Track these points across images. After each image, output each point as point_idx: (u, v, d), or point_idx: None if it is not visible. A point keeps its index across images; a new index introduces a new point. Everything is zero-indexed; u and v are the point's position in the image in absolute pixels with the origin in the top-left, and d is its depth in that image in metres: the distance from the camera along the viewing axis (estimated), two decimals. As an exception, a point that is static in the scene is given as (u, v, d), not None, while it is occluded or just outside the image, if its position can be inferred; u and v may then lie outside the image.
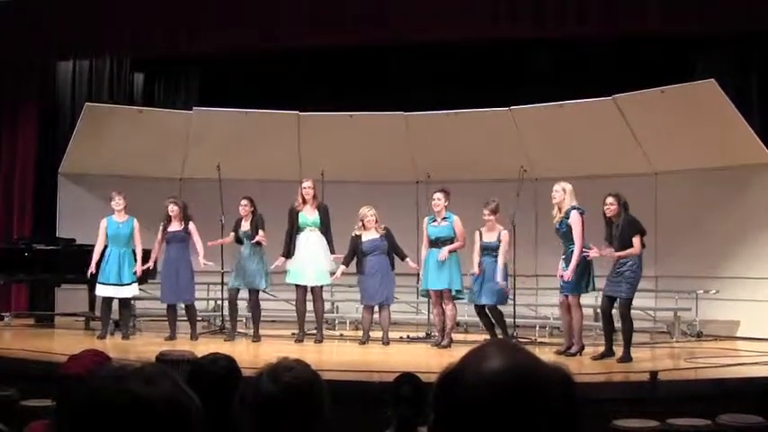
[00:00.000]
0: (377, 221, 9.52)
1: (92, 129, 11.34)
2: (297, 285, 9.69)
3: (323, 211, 9.60)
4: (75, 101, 12.40)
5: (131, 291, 9.77)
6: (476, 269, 9.02)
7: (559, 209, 8.39)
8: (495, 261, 8.98)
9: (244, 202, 9.71)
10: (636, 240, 7.96)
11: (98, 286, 9.70)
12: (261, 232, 9.61)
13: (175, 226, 9.71)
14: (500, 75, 11.89)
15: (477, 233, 9.15)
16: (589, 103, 10.51)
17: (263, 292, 10.04)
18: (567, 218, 8.28)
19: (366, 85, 12.27)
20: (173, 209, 9.68)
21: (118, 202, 9.72)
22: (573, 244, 8.27)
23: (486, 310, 9.15)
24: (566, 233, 8.34)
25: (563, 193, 8.36)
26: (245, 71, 12.50)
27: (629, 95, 10.29)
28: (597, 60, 11.52)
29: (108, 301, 9.73)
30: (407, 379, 4.00)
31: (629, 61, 11.32)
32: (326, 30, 10.95)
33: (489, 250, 9.05)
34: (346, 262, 9.56)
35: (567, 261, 8.33)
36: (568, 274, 8.19)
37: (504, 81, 11.81)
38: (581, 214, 8.26)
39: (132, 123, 11.48)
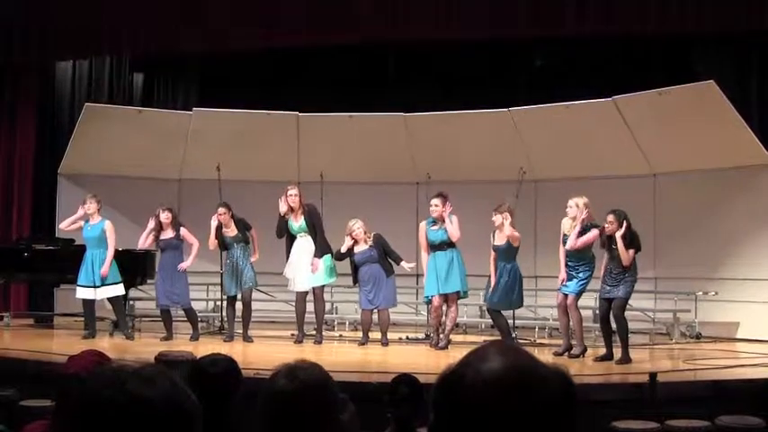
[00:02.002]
0: (366, 232, 9.52)
1: (91, 129, 11.33)
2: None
3: (308, 215, 9.58)
4: (75, 101, 12.40)
5: (106, 292, 9.59)
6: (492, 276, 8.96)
7: (573, 221, 8.40)
8: (506, 264, 8.95)
9: (221, 210, 9.65)
10: (630, 254, 8.00)
11: (76, 288, 9.67)
12: (251, 234, 9.74)
13: (168, 233, 9.70)
14: (500, 75, 11.89)
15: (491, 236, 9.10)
16: (589, 104, 10.50)
17: (257, 290, 10.09)
18: (583, 232, 8.29)
19: (366, 85, 12.27)
20: (167, 216, 9.67)
21: (89, 207, 9.62)
22: (582, 258, 8.33)
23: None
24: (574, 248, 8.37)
25: (576, 209, 8.38)
26: (245, 71, 12.49)
27: (628, 97, 10.28)
28: (597, 60, 11.51)
29: (88, 302, 9.65)
30: (405, 380, 4.00)
31: (629, 61, 11.32)
32: (326, 30, 10.93)
33: (498, 253, 9.02)
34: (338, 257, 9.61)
35: (573, 273, 8.37)
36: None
37: (504, 81, 11.81)
38: (599, 234, 8.25)
39: (131, 124, 11.47)
